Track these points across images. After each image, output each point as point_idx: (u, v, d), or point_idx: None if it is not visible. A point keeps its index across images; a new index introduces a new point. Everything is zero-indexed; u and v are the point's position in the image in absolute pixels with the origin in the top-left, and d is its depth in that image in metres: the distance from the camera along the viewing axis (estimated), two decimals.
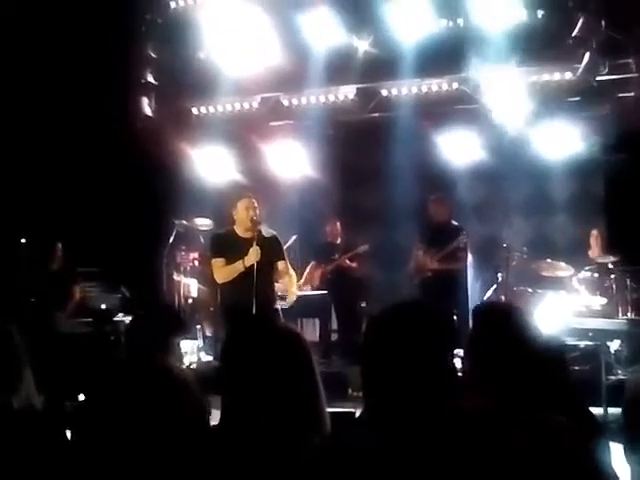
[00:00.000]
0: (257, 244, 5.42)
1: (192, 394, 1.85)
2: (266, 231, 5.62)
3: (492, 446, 1.75)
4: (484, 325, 2.17)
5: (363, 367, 1.82)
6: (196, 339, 7.59)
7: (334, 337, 8.10)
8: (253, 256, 5.40)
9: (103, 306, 6.54)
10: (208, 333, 7.76)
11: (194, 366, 7.05)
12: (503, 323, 2.14)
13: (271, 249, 5.59)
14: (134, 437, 1.69)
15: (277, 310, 5.59)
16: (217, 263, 5.65)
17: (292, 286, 5.76)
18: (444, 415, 1.71)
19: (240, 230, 5.64)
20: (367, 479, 1.65)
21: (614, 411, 5.30)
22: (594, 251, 7.08)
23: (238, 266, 5.51)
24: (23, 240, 8.04)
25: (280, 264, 5.67)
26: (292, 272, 5.79)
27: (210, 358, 7.42)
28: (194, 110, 8.95)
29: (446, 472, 1.64)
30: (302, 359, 1.88)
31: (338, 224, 8.26)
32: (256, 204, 5.66)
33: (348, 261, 7.99)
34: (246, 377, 1.84)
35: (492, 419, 1.96)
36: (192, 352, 7.33)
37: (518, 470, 1.78)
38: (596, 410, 5.15)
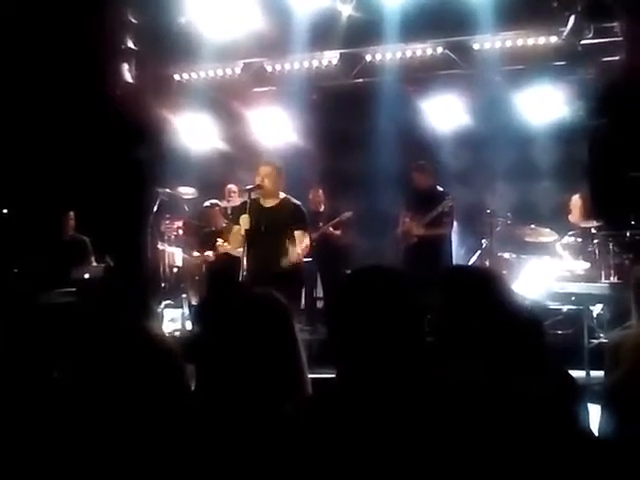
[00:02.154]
0: (250, 211, 5.40)
1: (173, 360, 1.85)
2: (286, 200, 5.64)
3: (466, 413, 1.75)
4: (454, 290, 2.15)
5: (329, 333, 1.82)
6: (182, 307, 7.59)
7: (320, 305, 8.12)
8: (242, 223, 5.42)
9: (86, 275, 6.50)
10: (194, 302, 7.75)
11: (178, 334, 7.05)
12: (471, 288, 2.12)
13: (287, 217, 5.58)
14: (116, 401, 1.69)
15: (276, 274, 5.48)
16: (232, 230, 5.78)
17: (294, 249, 5.56)
18: (413, 381, 1.71)
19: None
20: (340, 444, 1.65)
21: (596, 374, 5.39)
22: (574, 215, 7.10)
23: (234, 233, 5.61)
24: (4, 210, 7.99)
25: (296, 233, 5.59)
26: (306, 240, 5.65)
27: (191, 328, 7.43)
28: (176, 76, 8.84)
29: (417, 439, 1.64)
30: (279, 323, 1.87)
31: (321, 192, 8.23)
32: (267, 171, 5.60)
33: (332, 229, 7.98)
34: (218, 341, 1.83)
35: (465, 386, 1.97)
36: (177, 320, 7.33)
37: (494, 436, 1.79)
38: (579, 373, 5.22)
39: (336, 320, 1.80)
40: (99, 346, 1.95)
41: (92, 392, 1.87)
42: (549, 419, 1.98)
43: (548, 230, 7.09)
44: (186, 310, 7.45)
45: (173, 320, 7.32)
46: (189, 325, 7.25)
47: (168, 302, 7.47)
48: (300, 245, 5.51)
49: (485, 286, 2.11)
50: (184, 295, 7.65)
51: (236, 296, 1.96)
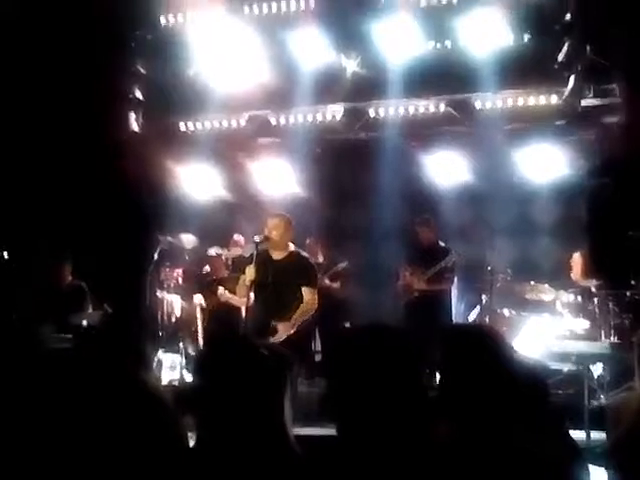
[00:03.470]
0: (258, 262, 5.42)
1: (167, 412, 1.83)
2: (295, 253, 5.68)
3: (464, 472, 1.73)
4: (454, 349, 2.15)
5: (328, 391, 1.81)
6: (180, 354, 7.53)
7: (318, 358, 8.05)
8: (247, 274, 5.43)
9: (84, 322, 6.47)
10: (191, 351, 7.68)
11: (176, 383, 6.98)
12: (473, 347, 2.11)
13: (295, 271, 5.60)
14: (108, 451, 1.67)
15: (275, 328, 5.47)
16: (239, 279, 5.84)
17: (295, 322, 5.56)
18: (412, 439, 1.69)
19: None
20: None
21: (597, 435, 5.30)
22: (575, 273, 7.10)
23: (240, 284, 5.65)
24: (5, 254, 7.98)
25: (303, 289, 5.61)
26: (308, 301, 5.63)
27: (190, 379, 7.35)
28: (181, 126, 8.95)
29: None
30: (268, 379, 1.85)
31: (318, 242, 8.23)
32: (276, 223, 5.64)
33: (329, 280, 7.94)
34: (215, 392, 1.81)
35: (464, 444, 1.94)
36: (176, 367, 7.27)
37: None
38: (579, 434, 5.14)
39: (334, 378, 1.79)
40: (92, 395, 1.93)
41: (84, 442, 1.84)
42: None
43: (548, 287, 7.08)
44: (183, 359, 7.38)
45: (172, 367, 7.25)
46: (186, 373, 7.19)
47: (166, 349, 7.41)
48: (300, 314, 5.52)
49: (485, 345, 2.10)
50: (181, 344, 7.59)
51: (235, 347, 1.95)
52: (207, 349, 1.99)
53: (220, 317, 6.91)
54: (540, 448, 2.02)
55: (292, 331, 5.47)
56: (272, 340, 5.33)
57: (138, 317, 7.39)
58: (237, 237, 8.31)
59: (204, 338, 7.21)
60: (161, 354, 7.14)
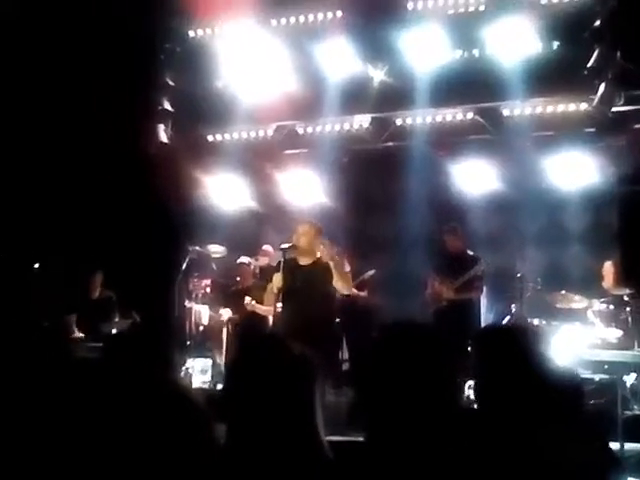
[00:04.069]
0: (285, 269, 5.45)
1: (199, 415, 1.83)
2: (322, 259, 5.68)
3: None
4: (489, 348, 2.11)
5: (358, 395, 1.79)
6: (210, 356, 7.58)
7: (345, 367, 8.02)
8: (275, 281, 5.45)
9: (114, 331, 6.54)
10: (219, 360, 7.71)
11: (206, 387, 7.05)
12: (508, 346, 2.08)
13: (323, 275, 5.62)
14: (140, 454, 1.67)
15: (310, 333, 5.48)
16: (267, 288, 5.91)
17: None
18: (444, 446, 1.66)
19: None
20: None
21: (631, 446, 5.21)
22: (607, 282, 7.00)
23: (268, 291, 5.69)
24: (36, 265, 8.10)
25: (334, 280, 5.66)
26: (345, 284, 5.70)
27: (220, 386, 7.37)
28: (209, 137, 9.03)
29: None
30: (299, 384, 1.84)
31: (346, 253, 8.20)
32: (305, 230, 5.68)
33: (356, 289, 7.91)
34: (246, 399, 1.80)
35: (503, 449, 1.91)
36: (206, 371, 7.33)
37: None
38: (613, 445, 5.05)
39: (367, 380, 1.78)
40: (123, 400, 1.93)
41: (116, 446, 1.84)
42: None
43: (579, 296, 6.98)
44: (209, 369, 7.42)
45: (203, 371, 7.32)
46: (217, 378, 7.23)
47: (197, 354, 7.49)
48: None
49: (520, 344, 2.07)
50: (209, 353, 7.63)
51: (267, 348, 1.94)
52: (239, 351, 1.99)
53: (247, 325, 6.92)
54: (577, 454, 1.98)
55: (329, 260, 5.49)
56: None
57: (167, 326, 7.44)
58: (266, 247, 8.33)
59: (231, 347, 7.23)
60: (191, 360, 7.21)
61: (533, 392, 2.06)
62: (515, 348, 2.07)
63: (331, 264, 5.53)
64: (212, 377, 7.35)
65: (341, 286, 5.66)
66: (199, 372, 7.24)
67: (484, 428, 2.14)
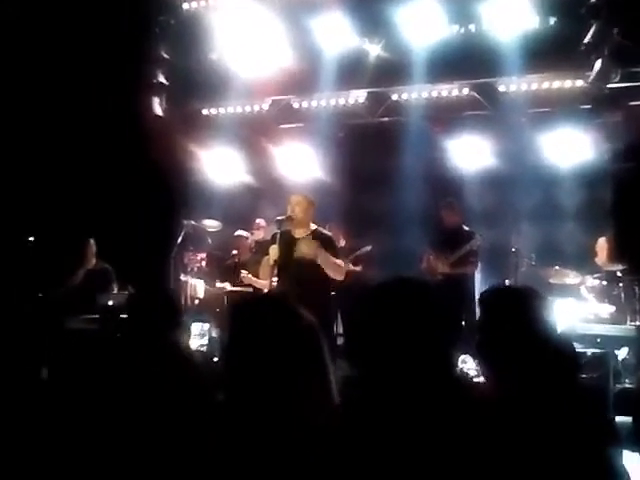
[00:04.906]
0: (281, 242, 5.43)
1: (198, 372, 1.86)
2: (317, 231, 5.64)
3: (494, 429, 1.73)
4: (492, 312, 2.15)
5: (354, 337, 1.82)
6: (208, 322, 7.63)
7: (340, 341, 8.07)
8: (271, 254, 5.45)
9: (110, 303, 6.55)
10: (214, 334, 7.74)
11: (204, 349, 7.15)
12: (514, 310, 2.11)
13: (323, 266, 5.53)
14: (140, 406, 1.70)
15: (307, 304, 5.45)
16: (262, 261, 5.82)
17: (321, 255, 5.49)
18: (439, 391, 1.69)
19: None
20: (370, 454, 1.64)
21: (622, 419, 5.28)
22: (600, 258, 7.05)
23: (263, 264, 5.66)
24: (31, 238, 8.08)
25: None
26: (338, 262, 5.62)
27: (216, 359, 7.41)
28: (204, 111, 9.00)
29: (444, 451, 1.63)
30: (307, 339, 1.86)
31: (340, 228, 8.22)
32: (298, 201, 5.61)
33: (352, 265, 7.94)
34: (250, 356, 1.82)
35: (495, 402, 1.95)
36: (203, 335, 7.45)
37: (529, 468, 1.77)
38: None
39: (363, 326, 1.80)
40: (129, 359, 1.96)
41: (122, 405, 1.87)
42: (588, 458, 1.94)
43: (572, 272, 7.04)
44: (207, 333, 7.52)
45: (201, 335, 7.43)
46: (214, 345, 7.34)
47: (196, 317, 7.58)
48: (328, 260, 5.48)
49: (525, 305, 2.10)
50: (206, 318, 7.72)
51: (272, 305, 1.96)
52: (243, 306, 1.99)
53: (244, 298, 6.95)
54: (576, 423, 2.01)
55: (313, 253, 5.42)
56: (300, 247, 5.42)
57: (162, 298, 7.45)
58: (260, 221, 8.35)
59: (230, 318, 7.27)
60: (189, 324, 7.32)
61: (533, 355, 2.09)
62: (521, 307, 2.11)
63: (318, 260, 5.48)
64: (209, 342, 7.46)
65: (333, 275, 5.65)
66: (197, 336, 7.34)
67: (482, 392, 2.18)
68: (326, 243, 5.59)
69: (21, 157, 8.04)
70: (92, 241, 7.61)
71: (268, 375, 1.78)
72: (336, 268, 5.57)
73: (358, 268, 7.99)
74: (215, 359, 7.08)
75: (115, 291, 7.32)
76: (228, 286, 7.63)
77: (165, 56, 8.73)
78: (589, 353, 6.26)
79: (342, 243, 8.19)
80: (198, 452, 1.72)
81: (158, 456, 1.73)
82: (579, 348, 6.20)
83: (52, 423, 2.24)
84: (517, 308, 2.11)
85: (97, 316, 6.19)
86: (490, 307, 2.15)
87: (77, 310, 6.19)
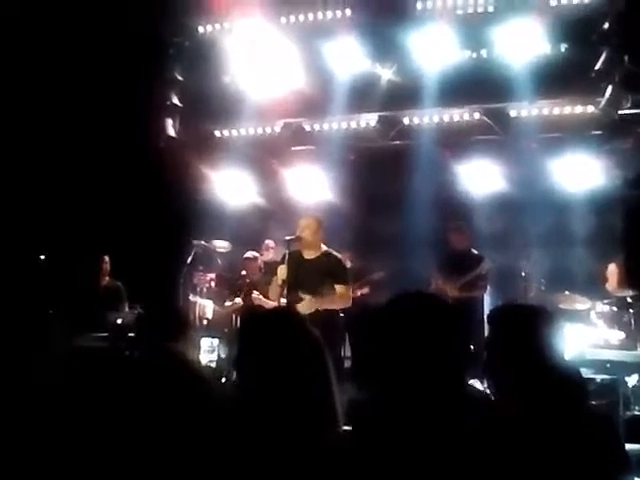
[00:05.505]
0: (290, 262, 5.45)
1: (206, 386, 1.86)
2: (327, 253, 5.68)
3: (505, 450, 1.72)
4: (500, 330, 2.14)
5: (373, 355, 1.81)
6: (217, 337, 7.66)
7: (347, 364, 8.03)
8: (279, 274, 5.47)
9: (119, 321, 6.57)
10: (222, 354, 7.74)
11: (213, 365, 7.26)
12: (522, 329, 2.10)
13: (327, 270, 5.60)
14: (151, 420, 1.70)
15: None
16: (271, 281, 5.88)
17: (323, 302, 5.52)
18: (451, 413, 1.69)
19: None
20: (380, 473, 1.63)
21: (633, 447, 5.21)
22: (611, 284, 7.02)
23: (273, 284, 5.69)
24: (42, 257, 8.14)
25: (337, 287, 5.61)
26: (342, 295, 5.61)
27: (223, 380, 7.40)
28: (217, 133, 9.07)
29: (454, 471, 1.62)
30: (313, 355, 1.86)
31: (349, 251, 8.19)
32: (308, 223, 5.67)
33: (359, 288, 7.89)
34: (257, 368, 1.83)
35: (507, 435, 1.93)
36: (213, 350, 7.53)
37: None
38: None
39: (375, 344, 1.80)
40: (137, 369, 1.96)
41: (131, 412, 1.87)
42: None
43: (582, 297, 7.01)
44: (216, 348, 7.57)
45: (210, 350, 7.50)
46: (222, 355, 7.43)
47: (205, 333, 7.61)
48: (331, 298, 5.49)
49: (534, 324, 2.09)
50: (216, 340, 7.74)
51: (281, 318, 1.98)
52: (252, 319, 2.00)
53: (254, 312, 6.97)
54: (584, 449, 1.98)
55: (317, 306, 5.41)
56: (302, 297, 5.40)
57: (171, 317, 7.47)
58: (269, 242, 8.36)
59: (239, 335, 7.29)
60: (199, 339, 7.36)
61: (540, 378, 2.07)
62: (530, 326, 2.09)
63: (323, 299, 5.49)
64: (218, 358, 7.52)
65: (340, 307, 5.67)
66: (206, 351, 7.40)
67: (489, 411, 2.16)
68: (334, 265, 5.61)
69: (36, 176, 8.13)
70: (107, 258, 7.66)
71: (274, 387, 1.79)
72: (342, 301, 5.59)
73: (365, 291, 7.92)
74: (223, 379, 7.09)
75: (126, 309, 7.34)
76: (239, 301, 7.62)
77: (179, 78, 8.83)
78: (598, 379, 6.19)
79: (348, 265, 8.18)
80: (207, 466, 1.72)
81: (168, 471, 1.73)
82: (588, 374, 6.15)
83: (61, 442, 2.24)
84: (526, 326, 2.09)
85: (106, 334, 6.20)
86: (499, 324, 2.14)
87: (87, 327, 6.20)
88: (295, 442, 1.73)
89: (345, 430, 1.84)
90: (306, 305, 5.43)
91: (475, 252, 7.47)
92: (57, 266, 7.78)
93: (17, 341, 3.26)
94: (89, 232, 8.07)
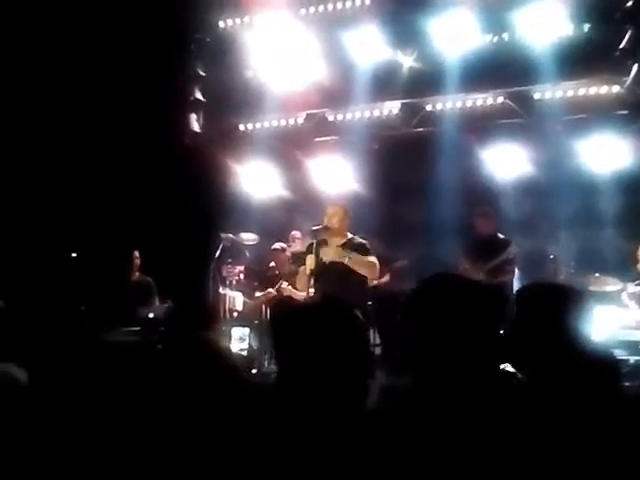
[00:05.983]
0: (317, 251, 5.48)
1: (236, 375, 1.89)
2: (352, 239, 5.72)
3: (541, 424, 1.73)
4: (527, 310, 2.12)
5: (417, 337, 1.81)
6: (248, 326, 7.74)
7: (377, 351, 8.04)
8: (308, 263, 5.50)
9: (151, 315, 6.67)
10: (253, 345, 7.81)
11: (244, 353, 7.33)
12: (550, 308, 2.08)
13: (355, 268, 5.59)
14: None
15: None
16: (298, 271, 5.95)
17: (353, 261, 5.55)
18: (488, 388, 1.70)
19: None
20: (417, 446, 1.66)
21: None
22: None
23: (300, 274, 5.75)
24: (73, 254, 8.27)
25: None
26: (371, 264, 5.64)
27: (255, 370, 7.47)
28: (241, 126, 9.12)
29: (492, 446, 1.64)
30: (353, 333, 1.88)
31: (373, 238, 8.15)
32: (334, 211, 5.73)
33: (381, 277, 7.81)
34: (296, 349, 1.85)
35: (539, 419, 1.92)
36: (244, 339, 7.61)
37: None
38: None
39: (413, 325, 1.82)
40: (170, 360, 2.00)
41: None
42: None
43: (612, 279, 6.94)
44: (247, 337, 7.67)
45: (241, 339, 7.59)
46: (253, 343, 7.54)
47: (235, 322, 7.66)
48: (363, 263, 5.52)
49: (563, 303, 2.07)
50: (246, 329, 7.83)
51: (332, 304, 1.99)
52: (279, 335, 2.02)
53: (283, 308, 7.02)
54: (620, 427, 1.97)
55: (345, 259, 5.47)
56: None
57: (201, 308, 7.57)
58: (295, 233, 8.40)
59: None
60: (230, 328, 7.52)
61: (568, 359, 2.06)
62: (559, 305, 2.08)
63: (348, 263, 5.51)
64: (249, 346, 7.63)
65: (368, 274, 5.66)
66: (237, 340, 7.51)
67: (520, 394, 2.16)
68: (360, 245, 5.63)
69: (65, 174, 8.25)
70: (137, 253, 7.76)
71: (311, 377, 1.81)
72: (369, 266, 5.58)
73: (386, 279, 7.85)
74: (254, 370, 7.16)
75: (157, 304, 7.44)
76: (271, 291, 7.68)
77: (201, 73, 8.89)
78: (632, 361, 6.16)
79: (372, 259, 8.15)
80: (239, 456, 1.76)
81: (202, 460, 1.77)
82: (621, 356, 6.10)
83: (96, 437, 2.28)
84: (554, 305, 2.08)
85: (138, 328, 6.30)
86: (526, 303, 2.13)
87: (118, 322, 6.31)
88: (332, 431, 1.75)
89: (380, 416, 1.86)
90: (334, 252, 5.49)
91: (501, 236, 7.43)
92: (88, 263, 7.90)
93: (50, 338, 3.34)
94: (119, 229, 8.19)
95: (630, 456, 1.93)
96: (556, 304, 2.10)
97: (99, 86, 8.10)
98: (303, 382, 1.80)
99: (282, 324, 1.94)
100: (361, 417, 1.78)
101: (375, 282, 7.33)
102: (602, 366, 2.18)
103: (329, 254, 5.52)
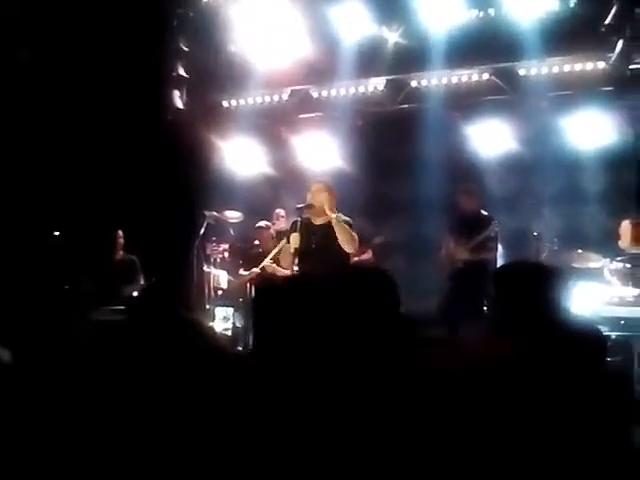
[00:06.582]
0: (301, 229, 5.47)
1: (222, 353, 1.88)
2: (336, 218, 5.68)
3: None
4: (505, 291, 2.13)
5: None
6: (232, 306, 7.72)
7: None
8: (292, 241, 5.49)
9: (135, 294, 6.63)
10: (238, 324, 7.81)
11: (228, 333, 7.34)
12: (529, 289, 2.09)
13: (335, 235, 5.60)
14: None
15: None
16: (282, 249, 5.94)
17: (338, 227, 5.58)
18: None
19: None
20: None
21: None
22: (624, 241, 6.97)
23: (284, 252, 5.75)
24: (56, 233, 8.20)
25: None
26: (352, 237, 5.65)
27: (239, 348, 7.47)
28: (224, 103, 9.04)
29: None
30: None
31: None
32: (318, 188, 5.70)
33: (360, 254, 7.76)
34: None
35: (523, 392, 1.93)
36: (228, 319, 7.61)
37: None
38: None
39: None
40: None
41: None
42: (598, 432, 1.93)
43: (596, 255, 6.97)
44: (231, 317, 7.67)
45: (225, 318, 7.60)
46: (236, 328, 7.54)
47: (219, 302, 7.67)
48: (346, 231, 5.55)
49: (540, 282, 2.08)
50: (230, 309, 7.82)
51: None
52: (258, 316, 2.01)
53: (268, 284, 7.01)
54: (602, 401, 1.98)
55: (333, 216, 5.53)
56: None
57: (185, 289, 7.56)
58: (280, 211, 8.36)
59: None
60: (214, 307, 7.56)
61: (548, 333, 2.07)
62: (536, 284, 2.09)
63: (333, 219, 5.54)
64: (233, 325, 7.62)
65: (346, 245, 5.65)
66: (221, 319, 7.51)
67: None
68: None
69: (46, 153, 8.15)
70: (120, 232, 7.70)
71: (288, 352, 1.81)
72: (350, 239, 5.58)
73: (366, 256, 7.81)
74: (239, 347, 7.16)
75: (141, 282, 7.41)
76: (256, 270, 7.66)
77: (184, 49, 8.78)
78: (613, 336, 6.20)
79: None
80: (223, 431, 1.75)
81: (187, 437, 1.77)
82: (603, 332, 6.15)
83: (84, 417, 2.27)
84: (529, 283, 2.09)
85: (123, 307, 6.26)
86: (503, 283, 2.14)
87: (103, 301, 6.27)
88: (312, 405, 1.75)
89: None
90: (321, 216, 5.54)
91: (485, 214, 7.43)
92: (71, 242, 7.84)
93: (33, 317, 3.31)
94: (102, 208, 8.12)
95: (611, 428, 1.94)
96: (531, 281, 2.10)
97: (79, 63, 7.97)
98: (277, 351, 1.80)
99: (263, 299, 1.93)
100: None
101: (357, 258, 7.36)
102: (588, 340, 2.19)
103: (320, 215, 5.54)
